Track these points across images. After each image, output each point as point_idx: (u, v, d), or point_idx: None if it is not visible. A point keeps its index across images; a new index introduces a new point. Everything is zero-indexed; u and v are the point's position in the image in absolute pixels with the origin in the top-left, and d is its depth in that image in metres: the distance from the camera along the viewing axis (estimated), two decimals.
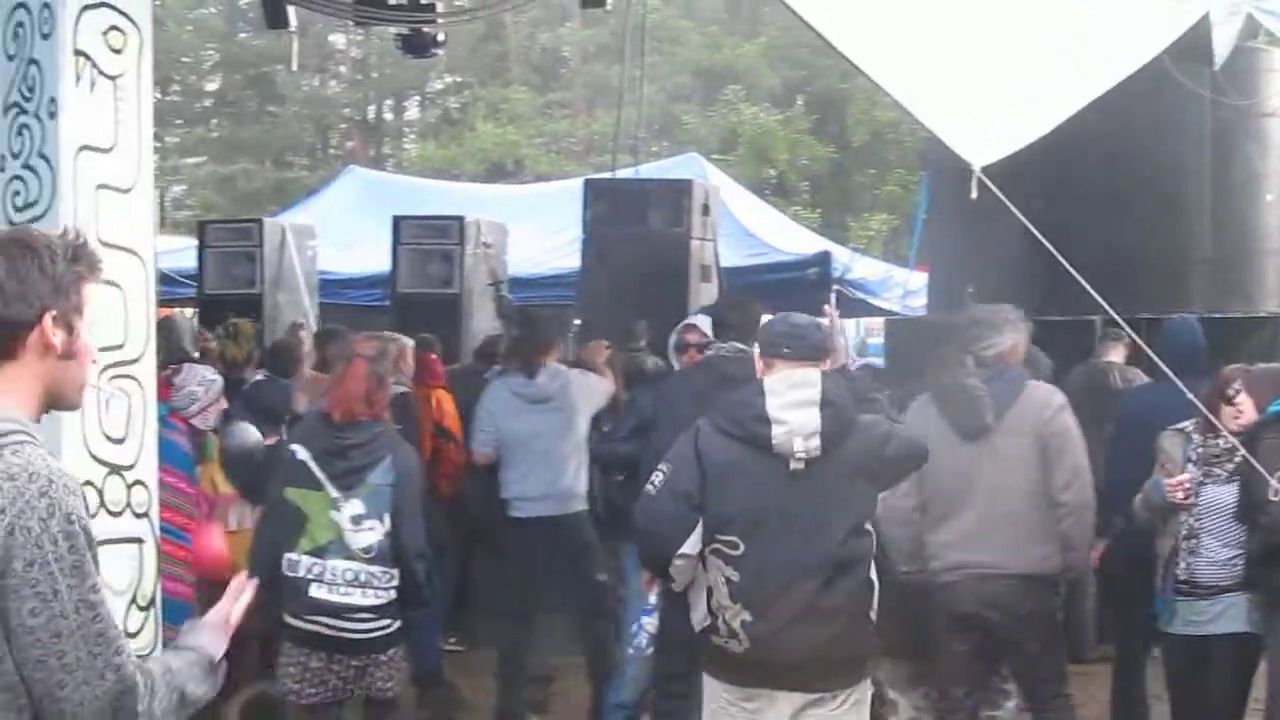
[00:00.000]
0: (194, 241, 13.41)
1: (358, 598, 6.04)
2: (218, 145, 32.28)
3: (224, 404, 7.08)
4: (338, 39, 30.31)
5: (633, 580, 7.45)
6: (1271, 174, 9.70)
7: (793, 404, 5.02)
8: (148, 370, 5.86)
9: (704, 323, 7.72)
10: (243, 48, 31.17)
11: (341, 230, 14.63)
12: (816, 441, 5.02)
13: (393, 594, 6.07)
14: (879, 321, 14.67)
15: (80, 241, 2.92)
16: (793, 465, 5.09)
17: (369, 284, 13.47)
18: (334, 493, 6.05)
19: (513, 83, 30.36)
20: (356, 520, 6.04)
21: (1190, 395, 6.10)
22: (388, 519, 6.05)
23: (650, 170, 13.36)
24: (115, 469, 5.58)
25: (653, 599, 6.78)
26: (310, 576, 5.96)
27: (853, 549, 5.08)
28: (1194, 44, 7.69)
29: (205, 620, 3.15)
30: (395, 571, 6.05)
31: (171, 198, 30.28)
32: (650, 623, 6.92)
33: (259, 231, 12.43)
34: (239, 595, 3.13)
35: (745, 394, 5.25)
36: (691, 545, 5.13)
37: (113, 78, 5.75)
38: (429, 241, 12.21)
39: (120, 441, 5.66)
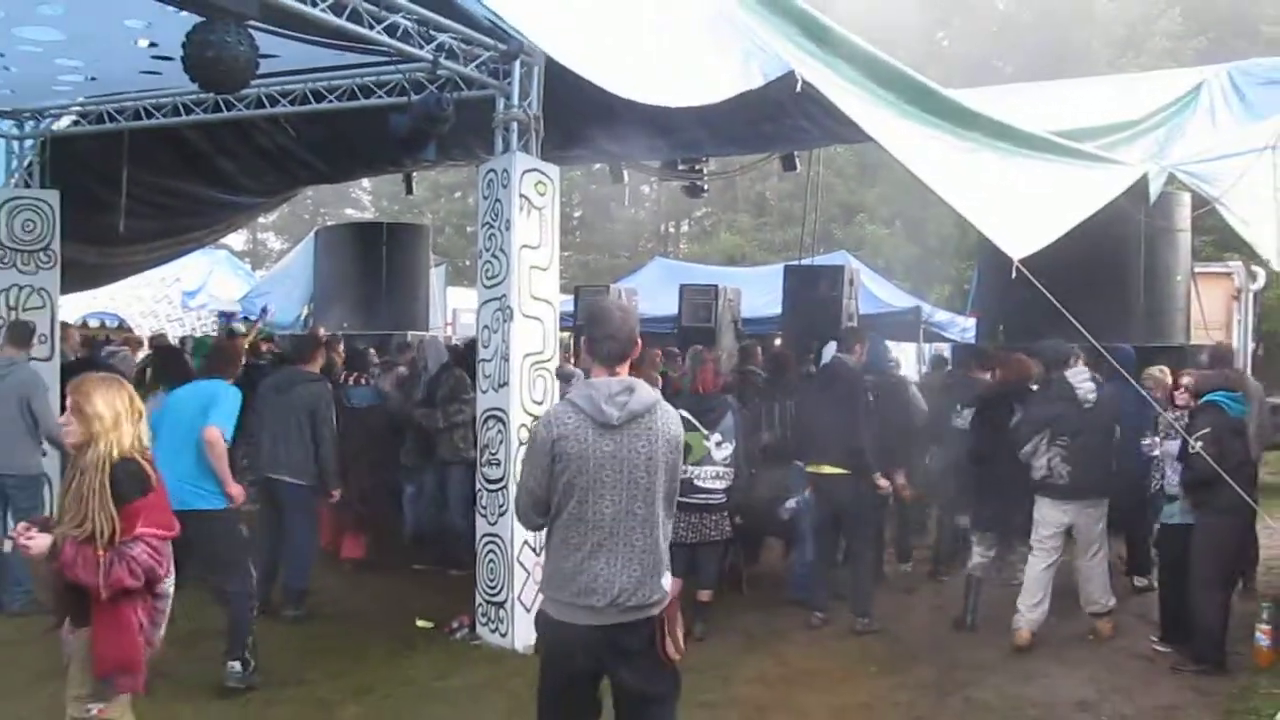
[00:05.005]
0: (572, 296, 15.31)
1: (718, 485, 7.24)
2: (579, 244, 40.15)
3: None
4: (645, 187, 38.04)
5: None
6: (1179, 264, 10.14)
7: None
8: (553, 366, 7.24)
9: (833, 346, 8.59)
10: (591, 192, 39.41)
11: (646, 291, 16.73)
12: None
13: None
14: (946, 345, 16.92)
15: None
16: (1085, 402, 7.08)
17: (667, 321, 15.25)
18: (704, 431, 7.19)
19: (740, 211, 36.84)
20: (718, 444, 7.24)
21: (1141, 390, 7.07)
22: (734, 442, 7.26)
23: (819, 260, 15.08)
24: (537, 418, 6.58)
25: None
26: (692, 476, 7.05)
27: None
28: (1138, 188, 8.44)
29: None
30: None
31: None
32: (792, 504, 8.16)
33: (607, 292, 14.70)
34: None
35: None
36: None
37: (539, 209, 7.10)
38: (699, 298, 14.44)
39: (540, 404, 6.98)
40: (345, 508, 8.93)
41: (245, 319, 17.62)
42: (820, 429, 7.72)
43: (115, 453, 3.90)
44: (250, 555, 6.53)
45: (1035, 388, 7.74)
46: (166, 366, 8.30)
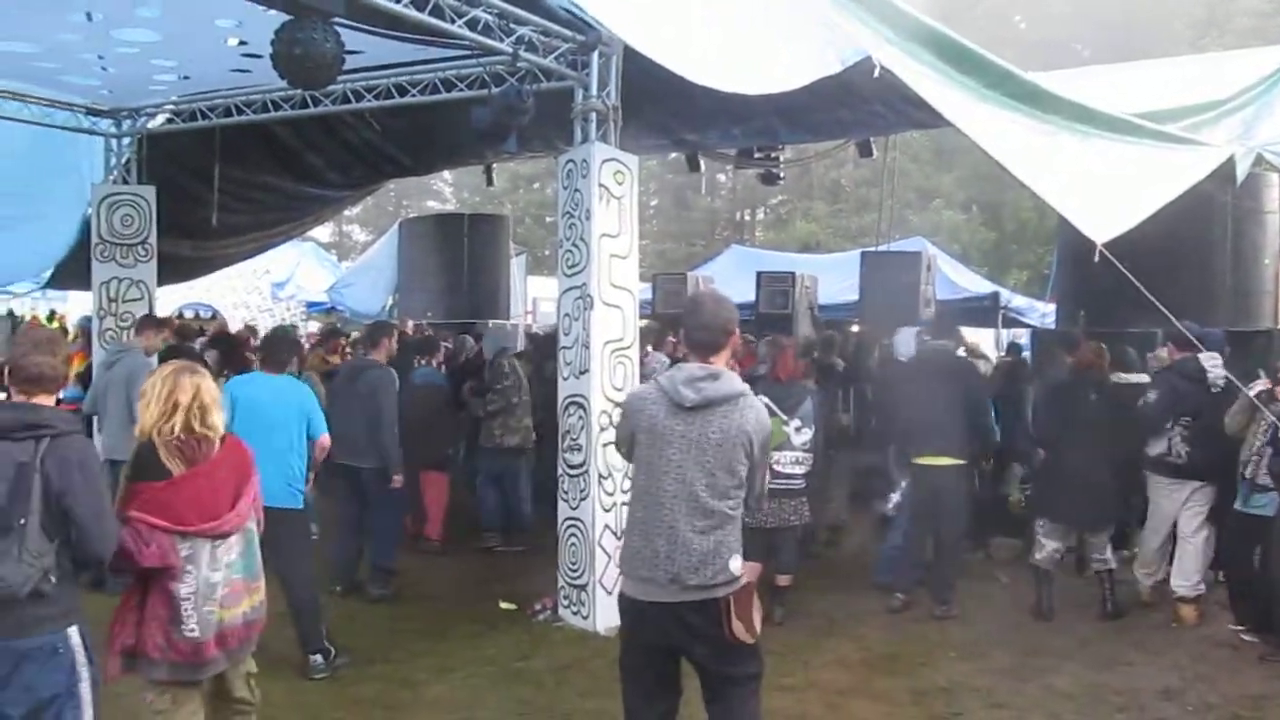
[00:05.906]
0: (649, 285, 15.04)
1: (798, 470, 7.17)
2: (655, 233, 39.85)
3: None
4: (720, 175, 37.13)
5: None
6: (1267, 246, 9.80)
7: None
8: (634, 354, 7.26)
9: (912, 333, 8.56)
10: (668, 181, 39.43)
11: (723, 278, 16.42)
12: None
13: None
14: (1024, 330, 16.23)
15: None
16: (1214, 386, 6.90)
17: (744, 308, 14.82)
18: (784, 417, 7.06)
19: (815, 198, 36.12)
20: (798, 430, 7.14)
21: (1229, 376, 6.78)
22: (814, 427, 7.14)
23: (896, 246, 15.02)
24: (617, 405, 6.59)
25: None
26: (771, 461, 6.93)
27: None
28: (1224, 170, 8.07)
29: None
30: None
31: None
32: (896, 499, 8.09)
33: (684, 280, 14.72)
34: None
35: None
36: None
37: (618, 198, 7.10)
38: (776, 285, 14.04)
39: (620, 390, 6.96)
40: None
41: (332, 309, 17.90)
42: (932, 419, 7.41)
43: (136, 432, 4.05)
44: (311, 551, 6.55)
45: (1164, 370, 7.49)
46: (227, 356, 8.69)
